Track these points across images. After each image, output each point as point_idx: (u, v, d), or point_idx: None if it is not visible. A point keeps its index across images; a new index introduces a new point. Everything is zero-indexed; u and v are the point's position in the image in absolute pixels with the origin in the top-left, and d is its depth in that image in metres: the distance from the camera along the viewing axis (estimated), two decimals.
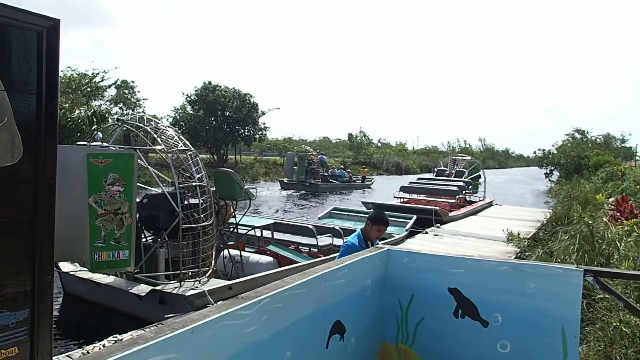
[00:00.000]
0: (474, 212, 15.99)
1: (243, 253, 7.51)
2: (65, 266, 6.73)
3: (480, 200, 18.98)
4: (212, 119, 35.35)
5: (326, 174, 29.75)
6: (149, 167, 6.54)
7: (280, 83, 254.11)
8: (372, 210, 13.42)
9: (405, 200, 16.99)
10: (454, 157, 24.69)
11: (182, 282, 5.92)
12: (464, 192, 17.71)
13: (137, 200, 5.80)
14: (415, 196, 17.36)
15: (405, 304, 3.05)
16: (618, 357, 3.69)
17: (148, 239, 6.82)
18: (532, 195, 30.28)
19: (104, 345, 4.57)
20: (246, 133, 37.06)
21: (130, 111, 29.30)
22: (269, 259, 7.56)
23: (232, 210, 7.40)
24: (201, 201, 6.15)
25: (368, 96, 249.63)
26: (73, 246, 4.98)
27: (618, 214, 7.57)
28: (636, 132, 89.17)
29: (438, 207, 14.02)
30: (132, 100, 33.48)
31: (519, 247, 9.60)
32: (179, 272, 5.96)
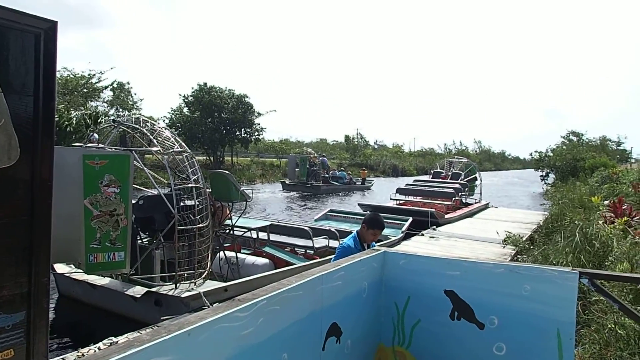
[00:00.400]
0: (470, 215, 16.04)
1: (239, 255, 7.51)
2: (61, 268, 6.70)
3: (476, 203, 19.03)
4: (209, 120, 35.34)
5: (327, 175, 30.03)
6: (145, 168, 6.53)
7: (278, 85, 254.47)
8: (368, 212, 13.47)
9: (401, 202, 17.02)
10: (450, 159, 24.79)
11: (178, 284, 5.91)
12: (460, 194, 17.76)
13: (133, 201, 5.79)
14: (411, 198, 17.40)
15: (402, 306, 3.06)
16: None
17: (144, 240, 6.81)
18: (528, 197, 30.39)
19: (99, 348, 4.55)
20: (243, 135, 37.10)
21: (127, 113, 29.22)
22: (265, 260, 7.55)
23: (228, 211, 7.39)
24: (197, 203, 6.14)
25: (365, 98, 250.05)
26: (68, 248, 4.96)
27: (614, 216, 7.61)
28: (632, 135, 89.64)
29: (434, 210, 14.04)
30: (129, 102, 33.42)
31: (514, 250, 9.63)
32: (174, 273, 5.95)
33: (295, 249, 8.70)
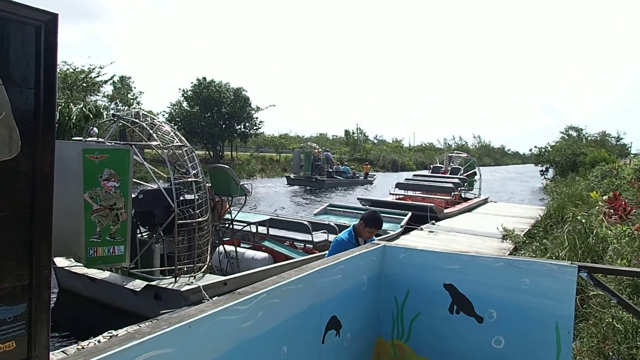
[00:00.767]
0: (469, 209, 16.05)
1: (238, 249, 7.52)
2: (61, 261, 6.71)
3: (475, 197, 19.05)
4: (208, 114, 35.28)
5: (331, 170, 30.30)
6: (145, 162, 6.52)
7: (279, 80, 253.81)
8: (367, 207, 13.48)
9: (400, 196, 17.03)
10: (449, 154, 24.73)
11: (178, 278, 5.93)
12: (459, 189, 17.77)
13: (133, 195, 5.79)
14: (410, 193, 17.41)
15: (401, 299, 3.07)
16: (610, 353, 3.73)
17: (143, 234, 6.82)
18: (527, 192, 30.38)
19: (99, 341, 4.57)
20: (242, 129, 37.07)
21: (127, 107, 29.16)
22: (264, 254, 7.57)
23: (227, 206, 7.40)
24: (197, 197, 6.15)
25: (365, 93, 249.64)
26: (68, 241, 4.96)
27: (612, 210, 7.63)
28: (631, 131, 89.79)
29: (433, 204, 14.04)
30: (129, 97, 33.33)
31: (513, 244, 9.65)
32: (174, 267, 5.96)
33: (295, 243, 8.72)
